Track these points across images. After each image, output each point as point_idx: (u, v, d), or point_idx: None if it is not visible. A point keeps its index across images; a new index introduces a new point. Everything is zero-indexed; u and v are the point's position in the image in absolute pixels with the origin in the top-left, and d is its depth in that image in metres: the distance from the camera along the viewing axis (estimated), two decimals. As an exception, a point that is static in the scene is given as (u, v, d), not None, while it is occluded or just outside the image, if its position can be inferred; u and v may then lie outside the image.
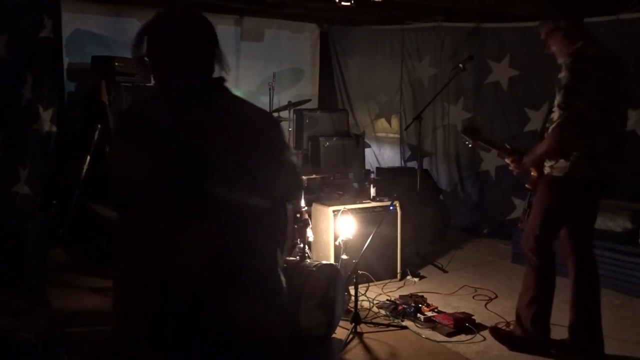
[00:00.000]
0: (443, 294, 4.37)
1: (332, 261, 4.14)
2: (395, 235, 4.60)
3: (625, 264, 4.42)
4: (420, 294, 4.24)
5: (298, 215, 3.88)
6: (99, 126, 5.40)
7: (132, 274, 1.62)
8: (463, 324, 3.70)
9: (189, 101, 1.62)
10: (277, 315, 1.69)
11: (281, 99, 7.69)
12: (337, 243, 4.10)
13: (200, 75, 1.66)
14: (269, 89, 7.08)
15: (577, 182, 3.14)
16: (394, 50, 7.39)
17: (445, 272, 4.94)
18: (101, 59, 6.03)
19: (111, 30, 6.71)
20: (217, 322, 1.58)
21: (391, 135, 7.66)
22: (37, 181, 5.12)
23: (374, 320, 3.82)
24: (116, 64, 5.93)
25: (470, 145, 3.77)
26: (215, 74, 1.69)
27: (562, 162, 3.14)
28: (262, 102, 7.68)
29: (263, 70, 7.86)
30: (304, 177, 4.13)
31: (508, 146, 3.51)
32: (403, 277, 4.66)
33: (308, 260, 3.66)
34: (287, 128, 7.47)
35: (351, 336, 3.56)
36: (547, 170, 3.25)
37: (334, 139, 7.36)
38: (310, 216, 4.06)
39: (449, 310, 3.95)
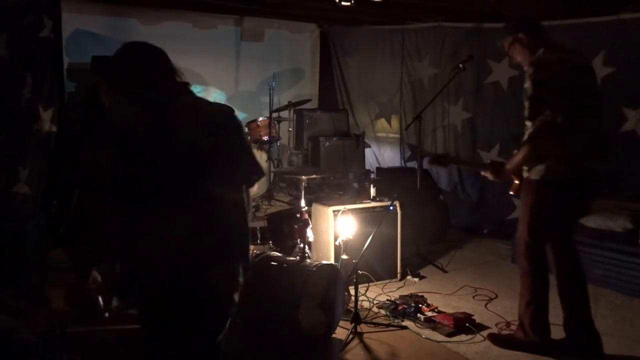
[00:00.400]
0: (443, 294, 4.37)
1: (332, 261, 4.13)
2: (395, 235, 4.60)
3: (625, 264, 4.42)
4: (420, 294, 4.24)
5: (298, 215, 3.89)
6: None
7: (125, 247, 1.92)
8: (463, 324, 3.70)
9: (154, 103, 1.97)
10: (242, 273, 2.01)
11: (281, 99, 7.69)
12: (337, 243, 4.10)
13: (161, 83, 2.03)
14: (269, 89, 7.08)
15: (554, 183, 3.20)
16: (394, 50, 7.39)
17: (445, 272, 4.94)
18: (101, 59, 6.03)
19: (111, 30, 6.71)
20: (198, 282, 1.90)
21: (391, 135, 7.66)
22: (37, 181, 5.11)
23: (374, 320, 3.82)
24: (116, 64, 5.93)
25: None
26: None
27: (538, 166, 3.21)
28: (262, 102, 7.70)
29: (263, 70, 7.86)
30: (304, 177, 4.13)
31: (489, 161, 3.59)
32: (403, 277, 4.66)
33: (308, 260, 3.66)
34: (288, 128, 7.49)
35: (351, 336, 3.56)
36: (525, 174, 3.31)
37: (334, 139, 7.36)
38: (310, 216, 4.06)
39: (449, 310, 3.95)
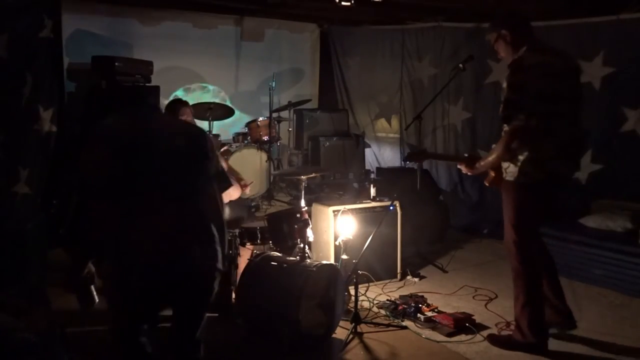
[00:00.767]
0: (443, 294, 4.37)
1: (332, 261, 4.14)
2: (395, 235, 4.60)
3: (625, 264, 4.41)
4: (420, 294, 4.24)
5: (298, 215, 3.89)
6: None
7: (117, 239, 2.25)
8: (463, 324, 3.70)
9: (135, 118, 2.43)
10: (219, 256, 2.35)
11: (281, 99, 7.70)
12: (337, 243, 4.10)
13: (139, 104, 2.53)
14: (269, 89, 7.08)
15: (527, 185, 3.26)
16: (394, 51, 7.39)
17: (445, 272, 4.94)
18: (101, 59, 6.03)
19: (111, 30, 6.72)
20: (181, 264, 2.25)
21: (391, 135, 7.66)
22: (37, 181, 5.11)
23: (374, 320, 3.82)
24: (116, 64, 5.94)
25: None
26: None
27: (512, 167, 3.29)
28: (262, 102, 7.70)
29: (263, 70, 7.87)
30: (304, 177, 4.13)
31: (466, 155, 3.72)
32: (403, 277, 4.66)
33: (308, 260, 3.65)
34: (288, 128, 7.49)
35: (351, 336, 3.56)
36: (504, 174, 3.36)
37: (334, 139, 7.37)
38: (310, 216, 4.06)
39: (449, 310, 3.95)
